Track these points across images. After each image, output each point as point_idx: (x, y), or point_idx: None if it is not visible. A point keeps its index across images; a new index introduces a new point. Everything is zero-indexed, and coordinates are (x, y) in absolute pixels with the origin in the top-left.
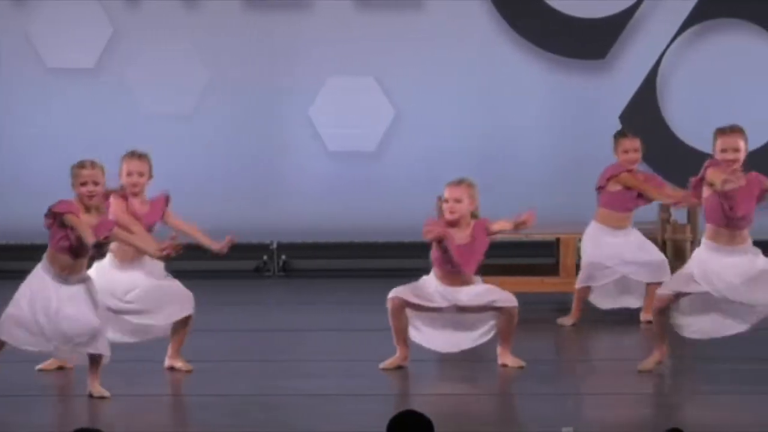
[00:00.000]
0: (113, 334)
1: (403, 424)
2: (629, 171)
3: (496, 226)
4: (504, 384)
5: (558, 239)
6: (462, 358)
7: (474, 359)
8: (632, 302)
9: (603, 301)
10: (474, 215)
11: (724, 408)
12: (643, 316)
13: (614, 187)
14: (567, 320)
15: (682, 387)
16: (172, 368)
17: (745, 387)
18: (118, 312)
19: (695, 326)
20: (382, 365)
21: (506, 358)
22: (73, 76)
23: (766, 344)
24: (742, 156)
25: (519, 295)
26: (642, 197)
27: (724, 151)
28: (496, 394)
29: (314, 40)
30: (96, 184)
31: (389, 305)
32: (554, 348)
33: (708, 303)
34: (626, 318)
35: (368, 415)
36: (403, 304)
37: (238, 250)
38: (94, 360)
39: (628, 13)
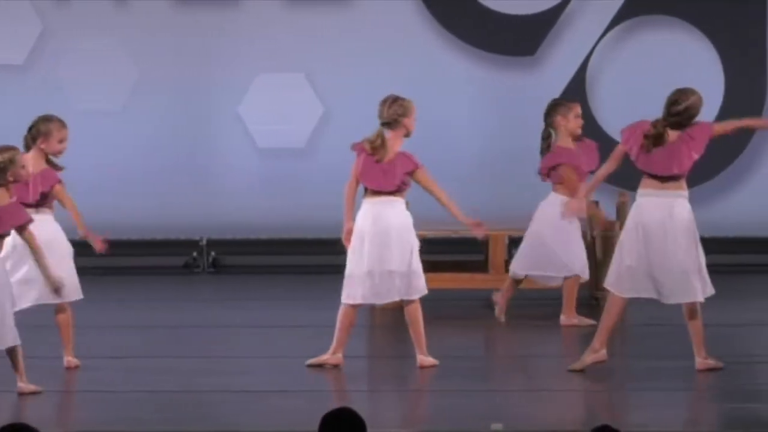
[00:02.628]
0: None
1: (337, 422)
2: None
3: None
4: (433, 381)
5: (487, 236)
6: (391, 356)
7: (403, 356)
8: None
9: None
10: None
11: (651, 405)
12: (564, 320)
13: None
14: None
15: (611, 384)
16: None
17: (672, 384)
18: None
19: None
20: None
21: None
22: (2, 73)
23: (688, 342)
24: None
25: (448, 292)
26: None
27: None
28: (427, 390)
29: (243, 38)
30: None
31: None
32: (483, 344)
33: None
34: (555, 314)
35: (298, 413)
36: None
37: (167, 246)
38: (12, 355)
39: (557, 10)
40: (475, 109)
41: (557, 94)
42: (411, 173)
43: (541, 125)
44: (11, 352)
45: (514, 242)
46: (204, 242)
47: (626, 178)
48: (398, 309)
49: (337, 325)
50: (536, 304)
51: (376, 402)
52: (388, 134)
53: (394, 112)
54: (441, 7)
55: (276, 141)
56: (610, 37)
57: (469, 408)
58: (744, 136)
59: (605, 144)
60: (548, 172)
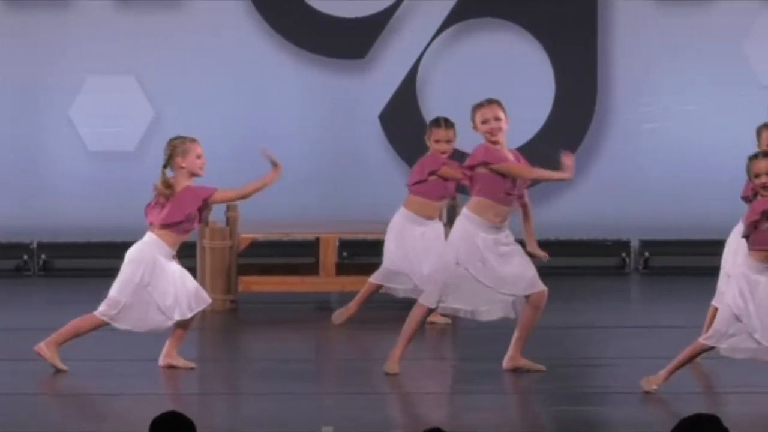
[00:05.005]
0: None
1: (166, 426)
2: (444, 164)
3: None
4: (265, 384)
5: (318, 238)
6: (224, 358)
7: (233, 359)
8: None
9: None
10: None
11: (482, 408)
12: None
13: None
14: (343, 314)
15: (442, 387)
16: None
17: (500, 386)
18: None
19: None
20: None
21: None
22: None
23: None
24: (504, 125)
25: (280, 295)
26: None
27: (485, 122)
28: (258, 393)
29: (74, 39)
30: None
31: None
32: (315, 348)
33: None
34: (389, 318)
35: (128, 415)
36: None
37: None
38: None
39: (387, 13)
40: (305, 112)
41: (388, 97)
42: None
43: (371, 128)
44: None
45: (345, 245)
46: (35, 245)
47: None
48: (228, 312)
49: None
50: (373, 308)
51: (206, 406)
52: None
53: (165, 153)
54: (271, 10)
55: (106, 144)
56: (441, 40)
57: (300, 411)
58: (575, 140)
59: None
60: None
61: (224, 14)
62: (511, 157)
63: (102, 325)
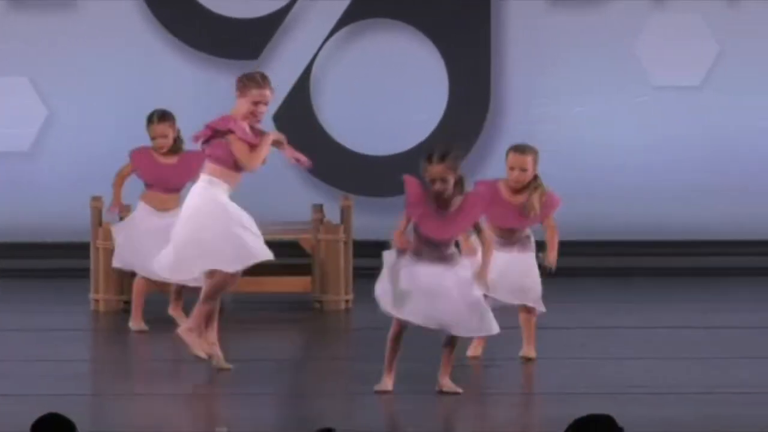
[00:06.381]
0: None
1: (46, 427)
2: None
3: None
4: (159, 385)
5: None
6: (114, 360)
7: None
8: None
9: None
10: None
11: (373, 407)
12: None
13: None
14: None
15: (335, 387)
16: None
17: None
18: None
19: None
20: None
21: None
22: None
23: (425, 346)
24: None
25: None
26: None
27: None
28: (152, 394)
29: None
30: None
31: None
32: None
33: None
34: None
35: (11, 417)
36: None
37: None
38: None
39: (281, 14)
40: (197, 113)
41: (281, 99)
42: None
43: (266, 128)
44: None
45: None
46: None
47: (351, 181)
48: (121, 312)
49: None
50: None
51: (84, 405)
52: None
53: None
54: (165, 10)
55: (0, 144)
56: (335, 41)
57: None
58: (469, 142)
59: (330, 149)
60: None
61: (117, 14)
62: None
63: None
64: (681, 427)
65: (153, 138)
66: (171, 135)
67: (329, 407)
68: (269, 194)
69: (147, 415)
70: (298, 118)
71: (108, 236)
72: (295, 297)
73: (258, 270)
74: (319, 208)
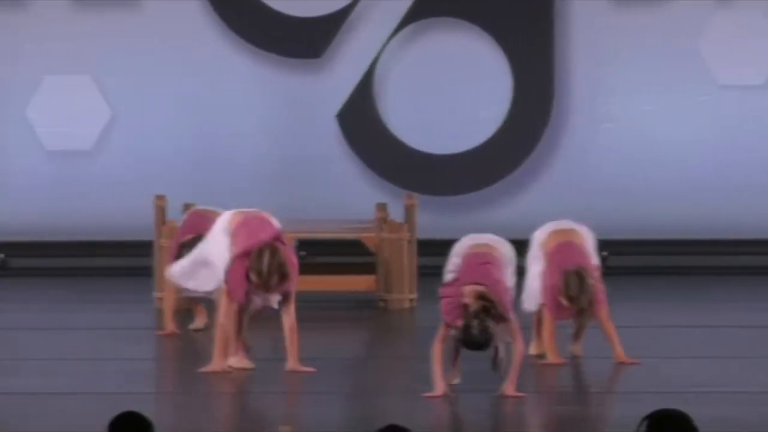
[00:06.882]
0: None
1: (125, 425)
2: None
3: None
4: (213, 384)
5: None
6: (179, 358)
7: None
8: None
9: None
10: None
11: (436, 406)
12: None
13: None
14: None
15: (398, 386)
16: None
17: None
18: None
19: None
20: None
21: None
22: None
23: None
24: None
25: None
26: None
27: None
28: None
29: (31, 39)
30: None
31: None
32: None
33: None
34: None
35: (84, 415)
36: None
37: None
38: None
39: (344, 13)
40: (261, 112)
41: (344, 98)
42: None
43: (327, 129)
44: None
45: (303, 245)
46: None
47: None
48: (183, 310)
49: None
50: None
51: (163, 405)
52: None
53: None
54: (228, 10)
55: (63, 143)
56: (398, 40)
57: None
58: (530, 141)
59: (394, 148)
60: None
61: (182, 14)
62: None
63: None
64: (746, 427)
65: None
66: None
67: (393, 406)
68: (334, 193)
69: (213, 414)
70: (361, 117)
71: (171, 234)
72: (359, 296)
73: (322, 269)
74: (383, 207)
